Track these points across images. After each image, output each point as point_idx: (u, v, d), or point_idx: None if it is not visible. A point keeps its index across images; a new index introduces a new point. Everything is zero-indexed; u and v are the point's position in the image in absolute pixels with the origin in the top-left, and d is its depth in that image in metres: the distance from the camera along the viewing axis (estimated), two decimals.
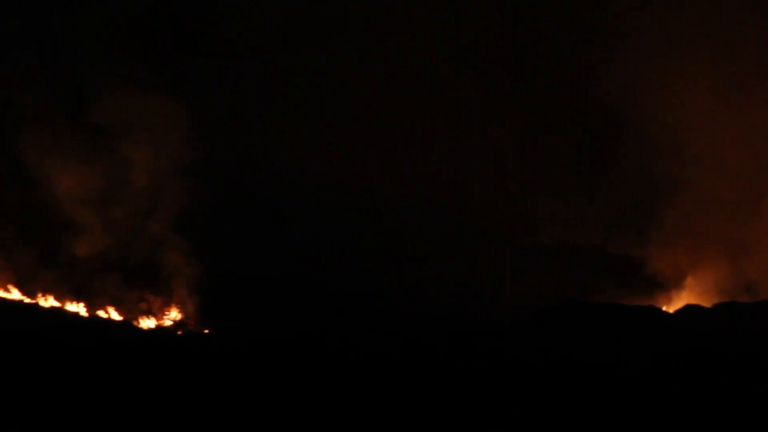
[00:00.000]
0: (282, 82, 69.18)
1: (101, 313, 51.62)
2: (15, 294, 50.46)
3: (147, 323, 52.13)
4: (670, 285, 64.82)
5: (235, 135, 65.35)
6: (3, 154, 53.90)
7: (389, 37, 71.10)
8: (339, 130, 70.10)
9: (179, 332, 51.99)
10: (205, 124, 58.21)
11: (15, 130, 53.89)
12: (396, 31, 71.28)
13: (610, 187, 71.71)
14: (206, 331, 52.62)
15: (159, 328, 52.33)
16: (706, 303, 60.36)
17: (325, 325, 55.67)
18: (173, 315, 52.76)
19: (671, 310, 60.23)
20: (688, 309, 59.77)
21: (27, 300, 50.26)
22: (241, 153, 65.33)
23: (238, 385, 45.98)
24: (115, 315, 51.68)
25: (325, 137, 68.84)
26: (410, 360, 49.09)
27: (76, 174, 53.33)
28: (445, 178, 71.70)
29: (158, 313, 52.56)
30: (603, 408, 43.34)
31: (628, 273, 67.94)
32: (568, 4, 71.07)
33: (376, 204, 69.32)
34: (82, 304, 51.23)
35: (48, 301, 50.60)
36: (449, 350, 52.21)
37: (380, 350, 49.62)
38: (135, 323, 51.89)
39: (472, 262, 66.40)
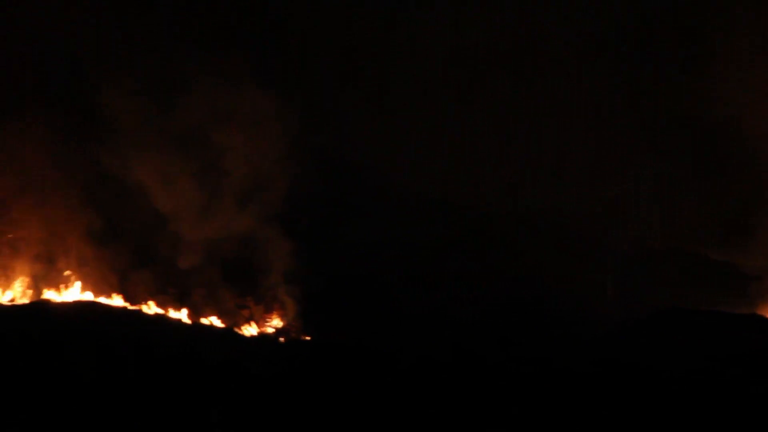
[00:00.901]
0: (381, 84, 68.55)
1: (204, 320, 51.29)
2: (118, 301, 50.50)
3: (249, 330, 51.79)
4: None
5: (336, 137, 64.76)
6: (100, 161, 53.69)
7: (477, 37, 70.27)
8: (431, 130, 69.29)
9: (281, 339, 51.61)
10: (306, 127, 57.62)
11: (114, 140, 53.79)
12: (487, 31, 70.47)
13: (712, 194, 69.97)
14: (307, 338, 51.95)
15: (261, 335, 51.89)
16: None
17: (425, 331, 54.76)
18: (275, 322, 52.32)
19: None
20: None
21: (131, 307, 50.28)
22: (340, 154, 64.77)
23: (343, 394, 45.69)
24: (217, 322, 51.40)
25: (419, 139, 68.08)
26: (518, 366, 48.14)
27: (175, 182, 53.28)
28: (544, 181, 70.56)
29: (260, 321, 52.21)
30: (704, 415, 42.32)
31: (729, 280, 66.11)
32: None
33: (471, 207, 68.47)
34: (185, 311, 51.02)
35: (151, 308, 50.58)
36: (553, 355, 51.17)
37: (492, 361, 48.89)
38: (237, 330, 51.52)
39: (573, 268, 65.11)
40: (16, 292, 50.41)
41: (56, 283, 51.07)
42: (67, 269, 51.23)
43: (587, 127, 70.88)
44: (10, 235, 50.98)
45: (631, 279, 66.00)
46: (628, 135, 71.53)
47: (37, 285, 50.83)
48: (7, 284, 50.35)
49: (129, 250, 52.62)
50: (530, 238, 69.03)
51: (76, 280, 51.22)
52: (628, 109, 71.70)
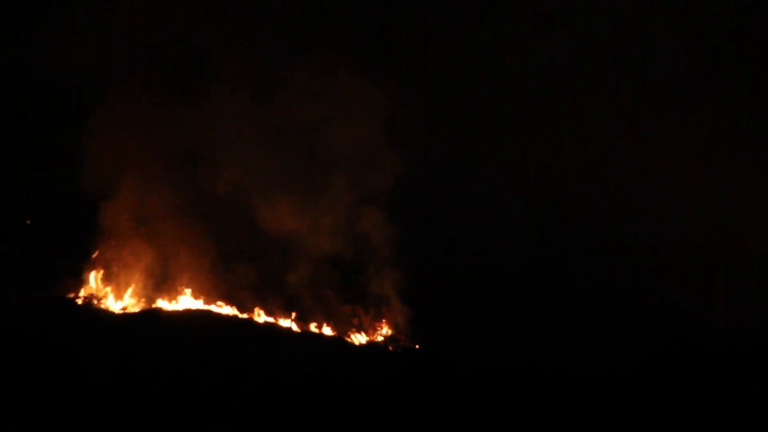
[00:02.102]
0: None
1: (313, 328, 51.38)
2: (227, 309, 50.92)
3: (359, 338, 51.65)
4: None
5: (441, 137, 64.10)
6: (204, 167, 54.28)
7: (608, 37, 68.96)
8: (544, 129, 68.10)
9: (390, 348, 51.35)
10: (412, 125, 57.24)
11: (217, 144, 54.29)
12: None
13: None
14: (417, 346, 51.64)
15: (371, 344, 51.74)
16: None
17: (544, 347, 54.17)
18: (384, 330, 52.07)
19: None
20: None
21: (240, 315, 50.67)
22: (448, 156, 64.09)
23: (451, 405, 45.47)
24: (327, 330, 51.41)
25: (530, 136, 67.00)
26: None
27: (280, 188, 53.52)
28: (654, 184, 68.72)
29: (369, 329, 52.03)
30: None
31: None
32: None
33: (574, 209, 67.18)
34: (294, 319, 51.20)
35: (260, 316, 50.87)
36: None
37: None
38: (346, 338, 51.45)
39: (678, 276, 63.36)
40: (128, 301, 51.11)
41: (167, 291, 51.57)
42: (178, 278, 51.69)
43: (698, 132, 68.85)
44: (115, 243, 51.57)
45: (741, 289, 63.77)
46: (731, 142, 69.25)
47: (148, 294, 51.37)
48: (119, 293, 51.09)
49: (240, 257, 52.78)
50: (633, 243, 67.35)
51: (187, 288, 51.64)
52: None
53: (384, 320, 53.85)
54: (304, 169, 55.43)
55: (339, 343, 52.63)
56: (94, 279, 51.71)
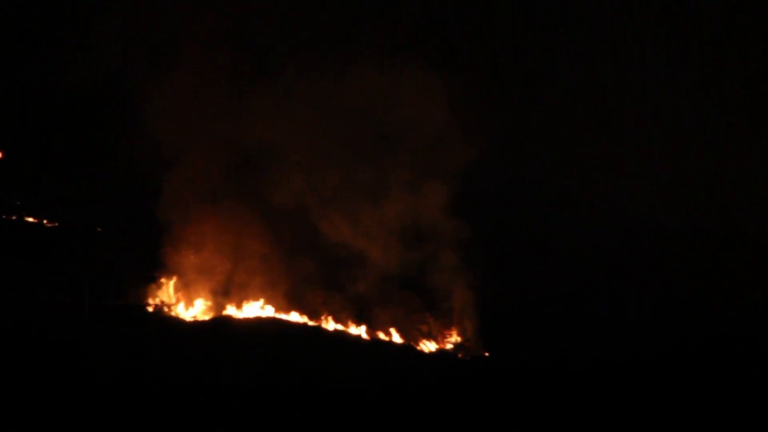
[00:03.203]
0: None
1: (382, 336, 51.34)
2: (296, 317, 51.07)
3: (428, 346, 51.49)
4: None
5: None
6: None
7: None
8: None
9: (459, 355, 51.18)
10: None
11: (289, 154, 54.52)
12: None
13: None
14: (486, 354, 51.38)
15: (440, 351, 51.56)
16: None
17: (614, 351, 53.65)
18: (453, 338, 51.89)
19: None
20: None
21: (310, 322, 50.76)
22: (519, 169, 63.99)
23: (521, 413, 45.17)
24: (396, 338, 51.34)
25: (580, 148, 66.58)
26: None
27: (352, 198, 53.66)
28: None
29: (439, 336, 51.88)
30: None
31: None
32: None
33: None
34: (363, 327, 51.17)
35: (330, 324, 50.92)
36: None
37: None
38: (415, 346, 51.34)
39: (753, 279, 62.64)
40: (198, 309, 51.47)
41: (237, 299, 51.87)
42: (247, 286, 51.95)
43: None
44: (192, 256, 51.98)
45: None
46: None
47: (218, 302, 51.69)
48: (190, 301, 51.46)
49: (309, 265, 52.98)
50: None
51: (256, 296, 51.90)
52: None
53: (453, 328, 53.65)
54: (373, 178, 55.54)
55: (408, 350, 52.53)
56: (165, 287, 52.11)
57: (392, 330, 53.23)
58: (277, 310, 52.60)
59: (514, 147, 65.73)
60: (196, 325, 50.89)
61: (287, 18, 58.34)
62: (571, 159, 68.69)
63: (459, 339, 53.71)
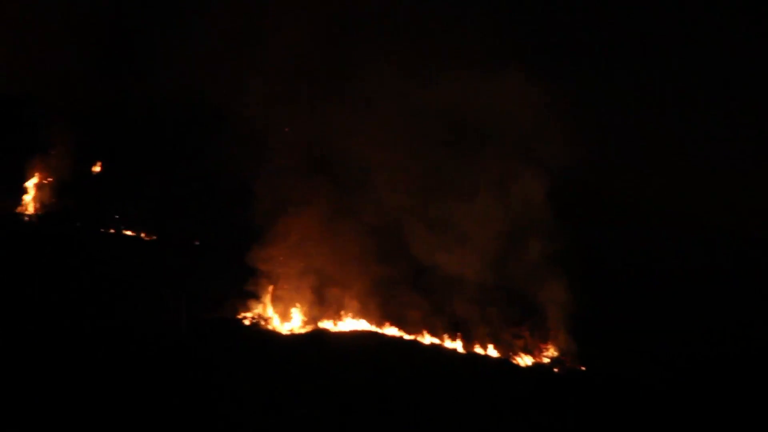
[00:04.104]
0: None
1: (478, 350, 51.28)
2: (392, 330, 51.19)
3: (524, 360, 51.29)
4: None
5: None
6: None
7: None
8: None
9: (556, 369, 50.89)
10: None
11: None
12: None
13: None
14: (583, 368, 51.01)
15: (536, 366, 51.34)
16: None
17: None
18: (550, 352, 51.60)
19: None
20: None
21: (406, 336, 50.88)
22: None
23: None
24: (492, 352, 51.23)
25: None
26: None
27: (445, 211, 53.78)
28: None
29: (535, 351, 51.65)
30: None
31: None
32: None
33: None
34: (459, 341, 51.15)
35: (426, 338, 51.01)
36: None
37: None
38: (512, 360, 51.19)
39: None
40: (295, 322, 51.86)
41: (332, 313, 52.16)
42: (344, 299, 52.26)
43: None
44: (289, 269, 52.40)
45: None
46: None
47: (314, 315, 52.03)
48: (286, 315, 51.87)
49: (404, 278, 53.09)
50: None
51: (352, 309, 52.15)
52: None
53: (550, 342, 53.35)
54: (467, 188, 55.51)
55: (504, 364, 52.40)
56: (262, 301, 52.58)
57: (488, 344, 53.08)
58: (373, 324, 52.79)
59: (612, 153, 65.17)
60: (293, 338, 51.28)
61: (380, 23, 58.73)
62: (665, 167, 67.93)
63: (555, 353, 53.37)
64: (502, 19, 61.31)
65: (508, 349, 53.30)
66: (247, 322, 52.38)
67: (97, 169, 61.82)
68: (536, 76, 56.74)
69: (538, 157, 55.42)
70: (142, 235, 58.35)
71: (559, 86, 59.76)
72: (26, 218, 58.14)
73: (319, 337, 51.49)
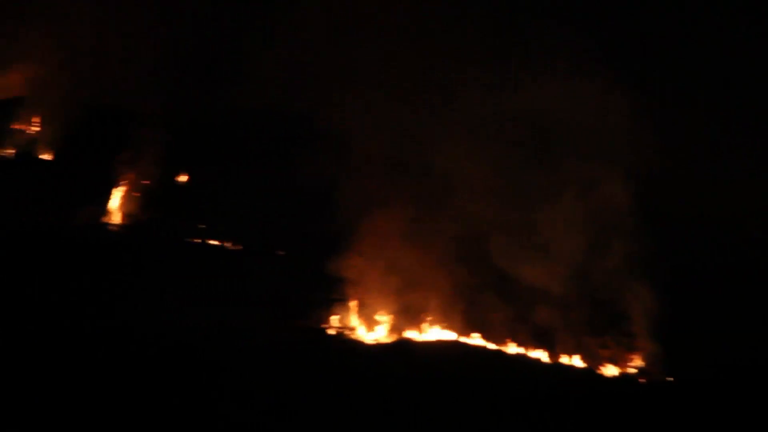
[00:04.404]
0: None
1: (564, 360, 51.08)
2: (478, 340, 51.28)
3: (610, 371, 51.01)
4: None
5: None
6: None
7: None
8: None
9: (641, 380, 50.54)
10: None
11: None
12: None
13: None
14: (670, 379, 50.59)
15: (622, 376, 51.02)
16: None
17: None
18: (636, 362, 51.23)
19: None
20: None
21: (491, 346, 50.88)
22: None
23: None
24: (577, 362, 50.99)
25: None
26: None
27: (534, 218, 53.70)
28: None
29: (620, 360, 51.30)
30: None
31: None
32: None
33: None
34: (544, 350, 51.05)
35: (510, 347, 50.95)
36: None
37: None
38: (597, 370, 50.92)
39: None
40: (380, 332, 52.13)
41: (417, 322, 52.34)
42: (428, 309, 52.40)
43: None
44: (373, 279, 52.73)
45: None
46: None
47: (399, 324, 52.25)
48: (371, 324, 52.15)
49: (489, 287, 53.08)
50: None
51: (437, 319, 52.28)
52: None
53: (635, 352, 52.95)
54: (552, 196, 55.36)
55: (589, 374, 52.18)
56: (346, 310, 52.91)
57: (573, 354, 52.86)
58: (458, 333, 52.89)
59: (701, 155, 64.30)
60: (378, 348, 51.56)
61: (463, 28, 58.81)
62: (758, 170, 66.75)
63: (642, 363, 52.98)
64: (587, 20, 61.18)
65: (593, 359, 53.06)
66: (332, 332, 52.87)
67: (183, 178, 62.65)
68: (623, 79, 56.63)
69: (622, 160, 55.21)
70: (227, 245, 59.13)
71: (646, 89, 59.64)
72: (111, 228, 59.12)
73: (403, 346, 51.87)
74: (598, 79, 56.46)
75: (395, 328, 52.92)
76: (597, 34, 59.94)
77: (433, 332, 53.02)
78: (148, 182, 60.16)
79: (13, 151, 62.62)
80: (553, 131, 57.46)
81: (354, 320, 53.11)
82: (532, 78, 57.71)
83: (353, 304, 53.24)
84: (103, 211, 59.63)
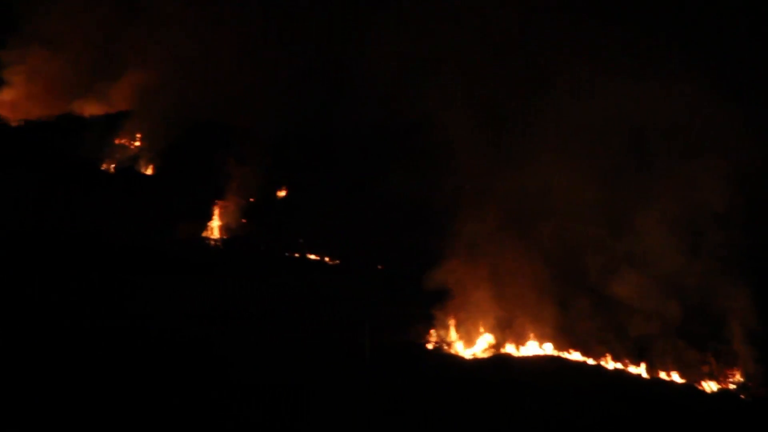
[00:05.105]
0: None
1: (663, 375, 50.98)
2: (576, 356, 51.37)
3: (709, 386, 50.78)
4: None
5: None
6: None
7: None
8: None
9: (742, 396, 50.34)
10: None
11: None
12: None
13: None
14: None
15: (722, 392, 50.77)
16: None
17: None
18: (737, 378, 50.94)
19: None
20: None
21: (590, 361, 50.97)
22: None
23: None
24: (676, 377, 50.86)
25: None
26: None
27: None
28: None
29: (720, 376, 51.07)
30: None
31: None
32: None
33: None
34: (643, 366, 50.99)
35: (609, 363, 51.00)
36: None
37: None
38: (697, 386, 50.70)
39: None
40: (478, 347, 52.55)
41: (516, 337, 52.65)
42: (526, 323, 52.73)
43: None
44: (472, 294, 53.13)
45: None
46: None
47: (497, 339, 52.59)
48: (469, 339, 52.60)
49: (587, 301, 53.17)
50: None
51: (535, 334, 52.55)
52: None
53: (736, 367, 52.62)
54: (649, 206, 55.21)
55: (689, 390, 51.97)
56: (445, 325, 53.38)
57: (672, 369, 52.72)
58: (556, 349, 53.05)
59: None
60: (476, 363, 51.95)
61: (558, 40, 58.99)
62: None
63: (742, 379, 52.64)
64: (682, 22, 60.94)
65: (693, 375, 52.83)
66: (430, 346, 53.36)
67: (282, 193, 63.81)
68: (722, 82, 56.29)
69: (722, 167, 54.87)
70: (326, 259, 60.05)
71: (746, 90, 59.06)
72: (212, 243, 60.34)
73: (502, 361, 52.25)
74: (694, 83, 56.35)
75: (493, 344, 53.31)
76: (693, 34, 59.87)
77: (531, 347, 53.35)
78: (248, 197, 61.42)
79: (115, 166, 64.28)
80: (647, 139, 57.36)
81: (452, 335, 53.66)
82: (625, 85, 57.71)
83: (452, 319, 53.81)
84: (204, 225, 60.97)
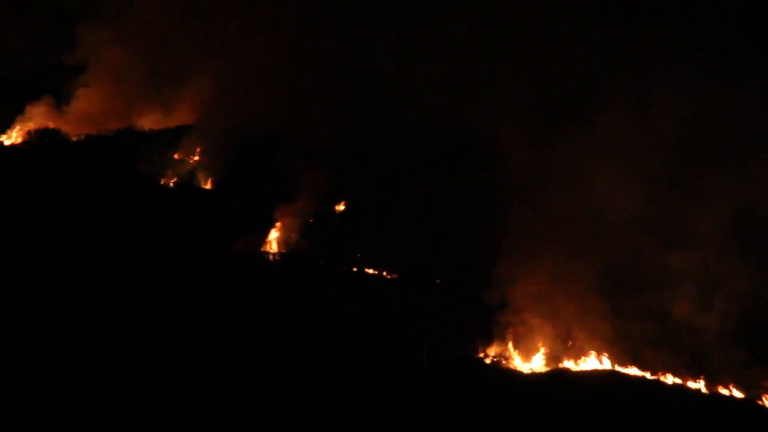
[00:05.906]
0: None
1: (723, 391, 51.00)
2: (634, 370, 51.48)
3: None
4: None
5: None
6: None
7: None
8: None
9: None
10: None
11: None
12: None
13: None
14: None
15: None
16: None
17: None
18: None
19: None
20: None
21: (649, 377, 51.05)
22: None
23: None
24: (736, 393, 50.85)
25: None
26: None
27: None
28: None
29: None
30: None
31: None
32: None
33: None
34: (702, 381, 51.01)
35: (668, 378, 51.09)
36: None
37: None
38: (759, 402, 50.79)
39: None
40: (536, 362, 52.86)
41: (574, 352, 52.88)
42: (584, 338, 52.92)
43: None
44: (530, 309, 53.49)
45: None
46: None
47: (555, 354, 52.83)
48: (527, 354, 52.90)
49: (645, 316, 53.29)
50: None
51: (594, 349, 52.73)
52: None
53: None
54: (704, 217, 55.25)
55: (749, 405, 51.88)
56: (503, 339, 53.72)
57: (732, 385, 52.72)
58: (615, 364, 53.21)
59: None
60: (534, 377, 52.21)
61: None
62: None
63: None
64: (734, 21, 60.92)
65: (753, 390, 52.77)
66: (488, 361, 53.73)
67: (341, 207, 64.54)
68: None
69: None
70: (384, 273, 60.62)
71: None
72: (270, 257, 61.09)
73: (560, 376, 52.50)
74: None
75: (551, 358, 53.63)
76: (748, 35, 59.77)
77: (589, 362, 53.59)
78: (306, 211, 62.21)
79: (175, 180, 65.29)
80: (702, 146, 57.39)
81: (510, 349, 54.02)
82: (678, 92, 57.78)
83: (510, 333, 54.18)
84: (262, 240, 61.78)
